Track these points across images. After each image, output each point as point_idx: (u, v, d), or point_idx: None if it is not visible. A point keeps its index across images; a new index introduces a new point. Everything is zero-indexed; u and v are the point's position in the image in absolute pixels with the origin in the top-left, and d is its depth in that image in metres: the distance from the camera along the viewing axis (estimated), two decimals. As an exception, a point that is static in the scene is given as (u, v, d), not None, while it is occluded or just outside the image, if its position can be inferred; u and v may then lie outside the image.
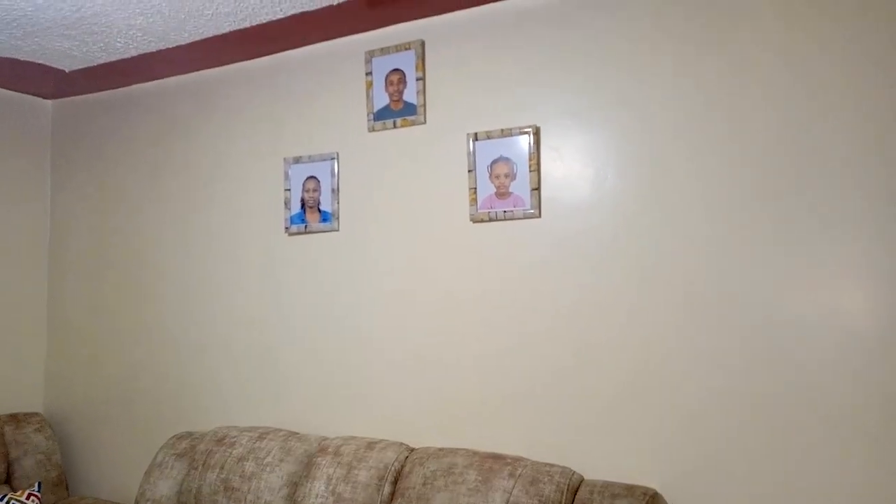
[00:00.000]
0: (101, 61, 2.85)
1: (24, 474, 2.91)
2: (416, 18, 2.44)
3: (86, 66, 2.90)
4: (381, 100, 2.52)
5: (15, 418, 3.03)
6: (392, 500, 2.12)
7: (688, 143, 2.01)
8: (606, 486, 1.94)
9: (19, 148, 3.29)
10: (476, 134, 2.31)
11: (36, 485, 2.76)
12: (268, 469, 2.33)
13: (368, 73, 2.54)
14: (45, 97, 3.34)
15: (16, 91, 3.24)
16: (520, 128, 2.24)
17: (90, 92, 3.23)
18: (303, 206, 2.68)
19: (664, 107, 2.04)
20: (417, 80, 2.44)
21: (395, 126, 2.49)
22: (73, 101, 3.33)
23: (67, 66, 2.91)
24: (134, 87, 3.12)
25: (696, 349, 1.96)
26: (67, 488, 3.08)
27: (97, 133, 3.26)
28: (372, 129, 2.54)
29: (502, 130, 2.27)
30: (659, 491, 1.97)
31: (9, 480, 2.89)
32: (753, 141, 1.92)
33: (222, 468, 2.39)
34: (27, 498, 2.67)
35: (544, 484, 1.93)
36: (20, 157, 3.29)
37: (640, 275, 2.05)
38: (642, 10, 2.08)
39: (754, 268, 1.90)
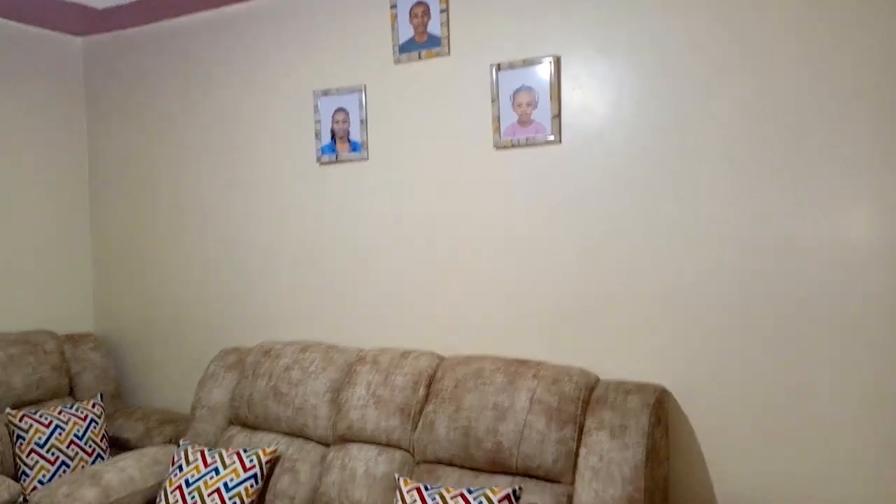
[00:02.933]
0: (134, -2, 2.95)
1: (85, 387, 3.20)
2: (439, -50, 2.52)
3: (118, 3, 2.99)
4: (406, 32, 2.63)
5: (72, 338, 3.29)
6: (427, 401, 2.37)
7: (703, 74, 2.13)
8: (620, 384, 2.18)
9: (54, 85, 3.42)
10: (499, 64, 2.44)
11: (98, 395, 3.05)
12: (312, 376, 2.58)
13: (393, 6, 2.64)
14: (75, 34, 3.45)
15: (47, 28, 3.35)
16: (541, 57, 2.37)
17: (121, 28, 3.34)
18: (333, 136, 2.83)
19: (681, 38, 2.15)
20: (441, 12, 2.54)
21: (419, 58, 2.61)
22: (104, 38, 3.44)
23: (99, 3, 3.00)
24: (164, 22, 3.23)
25: (706, 265, 2.15)
26: (123, 400, 3.37)
27: (129, 68, 3.38)
28: (397, 62, 2.66)
29: (524, 60, 2.39)
30: (668, 388, 2.20)
31: (72, 392, 3.18)
32: (769, 73, 2.04)
33: (270, 376, 2.65)
34: (92, 406, 2.96)
35: (564, 383, 2.17)
36: (55, 94, 3.43)
37: (652, 197, 2.22)
38: (660, -59, 2.17)
39: (765, 193, 2.06)
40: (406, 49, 2.64)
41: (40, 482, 2.73)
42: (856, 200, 1.95)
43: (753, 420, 2.09)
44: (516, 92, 2.42)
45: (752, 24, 2.05)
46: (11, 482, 2.40)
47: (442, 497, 2.00)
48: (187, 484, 2.35)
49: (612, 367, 2.29)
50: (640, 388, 2.13)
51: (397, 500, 2.07)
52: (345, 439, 2.47)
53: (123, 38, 3.38)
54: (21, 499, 2.53)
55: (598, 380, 2.24)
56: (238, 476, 2.35)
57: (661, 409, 2.09)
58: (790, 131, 2.02)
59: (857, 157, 1.94)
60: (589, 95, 2.31)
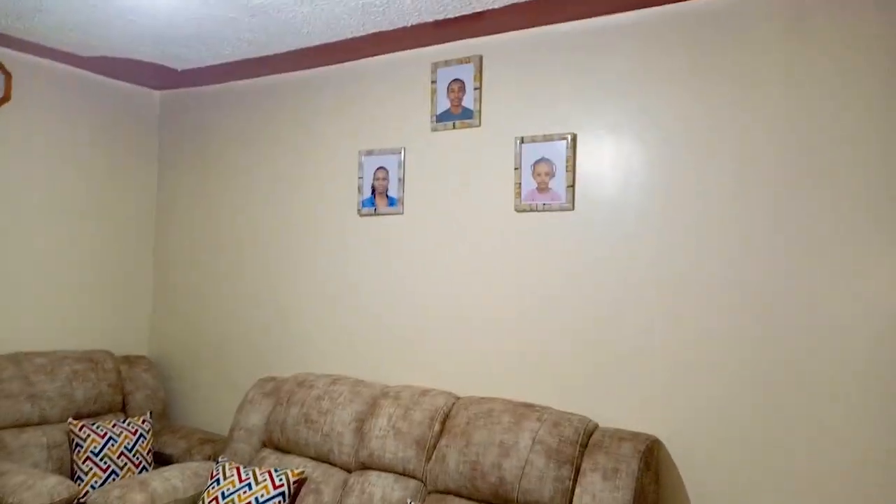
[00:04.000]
0: (209, 63, 3.37)
1: (136, 405, 3.53)
2: (475, 36, 2.87)
3: (195, 66, 3.43)
4: (443, 104, 2.97)
5: (128, 360, 3.64)
6: (441, 435, 2.61)
7: (700, 149, 2.40)
8: (616, 431, 2.39)
9: (132, 131, 3.87)
10: (523, 137, 2.75)
11: (148, 413, 3.37)
12: (340, 407, 2.85)
13: (433, 82, 2.99)
14: (154, 88, 3.91)
15: (131, 83, 3.82)
16: (560, 134, 2.67)
17: (194, 86, 3.78)
18: (373, 191, 3.16)
19: (680, 121, 2.43)
20: (475, 89, 2.88)
21: (454, 127, 2.94)
22: (179, 93, 3.89)
23: (179, 66, 3.45)
24: (231, 83, 3.66)
25: (707, 326, 2.37)
26: (169, 419, 3.69)
27: (198, 121, 3.81)
28: (434, 129, 3.00)
29: (544, 135, 2.70)
30: (661, 438, 2.40)
31: (124, 409, 3.51)
32: (757, 149, 2.30)
33: (303, 405, 2.93)
34: (142, 422, 3.28)
35: (565, 427, 2.39)
36: (133, 139, 3.87)
37: (652, 259, 2.47)
38: (663, 40, 2.47)
39: (758, 257, 2.29)
40: (442, 119, 2.97)
41: (92, 487, 3.04)
42: (858, 264, 2.17)
43: (740, 473, 2.27)
44: (536, 162, 2.72)
45: (741, 105, 2.32)
46: (70, 483, 2.71)
47: (447, 522, 2.22)
48: (223, 496, 2.62)
49: (612, 416, 2.51)
50: (634, 436, 2.34)
51: (408, 523, 2.30)
52: (365, 466, 2.72)
53: (195, 95, 3.83)
54: (76, 500, 2.82)
55: (596, 426, 2.45)
56: (268, 492, 2.61)
57: (651, 457, 2.29)
58: (790, 196, 2.26)
59: (858, 226, 2.17)
60: (601, 167, 2.59)
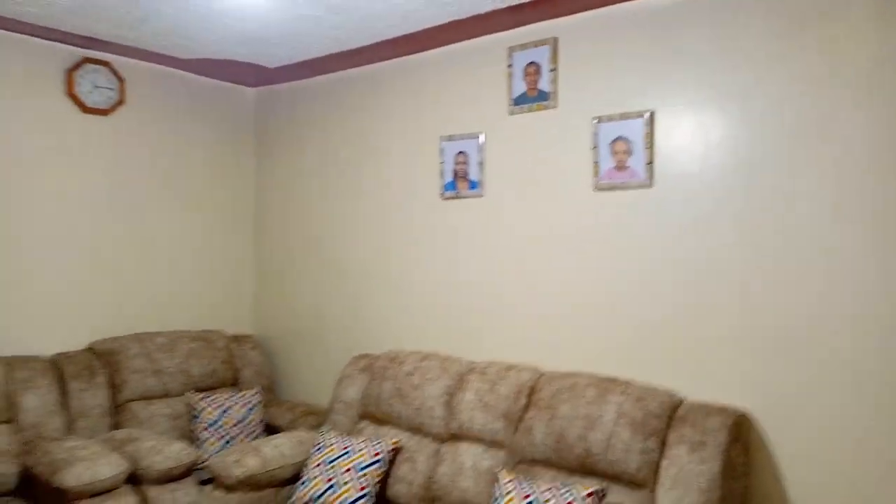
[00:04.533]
0: (297, 60, 3.58)
1: (246, 380, 3.84)
2: (550, 18, 2.90)
3: (285, 63, 3.64)
4: (520, 87, 3.03)
5: (237, 338, 3.96)
6: (527, 408, 2.72)
7: (783, 123, 2.36)
8: (703, 405, 2.42)
9: (230, 126, 4.15)
10: (600, 117, 2.78)
11: (257, 388, 3.67)
12: (430, 382, 3.01)
13: (509, 65, 3.05)
14: (249, 86, 4.17)
15: (228, 82, 4.09)
16: (637, 112, 2.68)
17: (286, 82, 4.01)
18: (454, 175, 3.28)
19: (763, 96, 2.39)
20: (550, 71, 2.92)
21: (530, 110, 3.00)
22: (271, 89, 4.14)
23: (271, 64, 3.67)
24: (320, 77, 3.85)
25: (789, 300, 2.35)
26: (275, 393, 3.99)
27: (290, 114, 4.05)
28: (511, 113, 3.06)
29: (622, 114, 2.72)
30: (751, 414, 2.40)
31: (235, 384, 3.83)
32: (845, 124, 2.24)
33: (395, 380, 3.11)
34: (252, 395, 3.58)
35: (649, 401, 2.45)
36: (231, 134, 4.16)
37: (737, 232, 2.45)
38: (744, 12, 2.42)
39: (848, 231, 2.25)
40: (519, 102, 3.04)
41: (211, 453, 3.36)
42: (930, 247, 2.09)
43: (833, 448, 2.26)
44: (614, 141, 2.74)
45: (825, 82, 2.26)
46: (192, 448, 3.02)
47: (536, 489, 2.34)
48: (327, 462, 2.85)
49: (698, 390, 2.53)
50: (721, 410, 2.37)
51: (497, 490, 2.44)
52: (455, 437, 2.87)
53: (287, 90, 4.05)
54: (197, 464, 3.14)
55: (682, 400, 2.49)
56: (367, 459, 2.82)
57: (739, 430, 2.31)
58: (881, 172, 2.19)
59: (931, 207, 2.09)
60: (679, 144, 2.59)
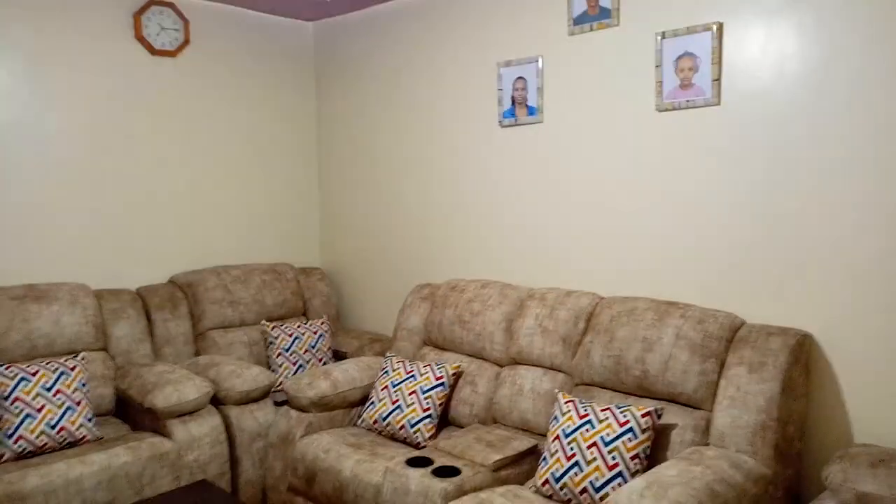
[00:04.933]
0: (353, -9, 3.56)
1: (314, 310, 4.01)
2: (611, -71, 2.76)
3: (340, -5, 3.63)
4: (580, 6, 2.92)
5: (304, 271, 4.12)
6: (585, 332, 2.74)
7: (860, 32, 2.19)
8: (764, 327, 2.38)
9: (290, 62, 4.21)
10: (664, 32, 2.66)
11: (325, 317, 3.83)
12: (490, 308, 3.07)
13: (568, -17, 2.94)
14: (307, 20, 4.19)
15: (285, 17, 4.12)
16: (704, 24, 2.55)
17: (343, 13, 4.00)
18: (513, 102, 3.23)
19: (839, 3, 2.23)
20: (611, -14, 2.80)
21: (591, 29, 2.90)
22: (330, 22, 4.15)
23: (327, -4, 3.67)
24: (377, 7, 3.83)
25: (858, 218, 2.24)
26: (341, 322, 4.16)
27: (348, 47, 4.05)
28: (571, 34, 2.97)
29: (688, 28, 2.59)
30: (813, 334, 2.35)
31: (305, 313, 4.00)
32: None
33: (456, 307, 3.18)
34: (321, 324, 3.74)
35: (709, 323, 2.42)
36: (292, 69, 4.21)
37: (812, 152, 2.34)
38: None
39: (918, 144, 2.11)
40: (580, 21, 2.94)
41: (285, 377, 3.56)
42: None
43: (895, 372, 2.20)
44: (679, 58, 2.63)
45: (920, -18, 2.08)
46: (269, 372, 3.21)
47: (593, 409, 2.38)
48: (393, 385, 2.98)
49: (760, 313, 2.48)
50: (783, 331, 2.32)
51: (556, 409, 2.49)
52: (515, 361, 2.93)
53: (345, 22, 4.05)
54: (273, 387, 3.34)
55: (743, 323, 2.45)
56: (430, 383, 2.93)
57: (800, 351, 2.27)
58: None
59: None
60: (749, 58, 2.46)
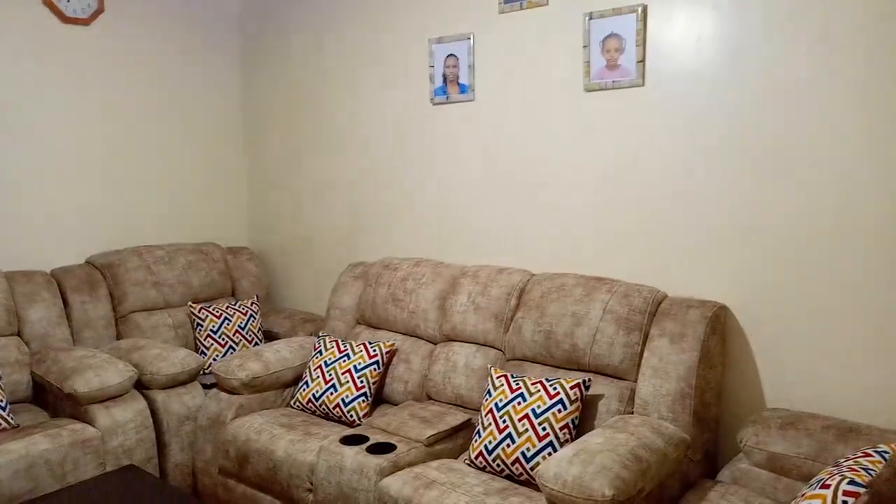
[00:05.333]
0: (279, -39, 3.44)
1: (244, 290, 3.93)
2: None
3: (266, -35, 3.51)
4: (510, -16, 2.94)
5: (232, 250, 4.01)
6: (517, 308, 2.80)
7: (776, 14, 2.30)
8: (684, 300, 2.49)
9: (215, 33, 4.05)
10: (591, 13, 2.70)
11: (255, 296, 3.75)
12: (423, 286, 3.08)
13: (499, -39, 2.94)
14: (231, -9, 4.04)
15: (209, -13, 3.97)
16: (629, 6, 2.61)
17: (267, -15, 3.88)
18: (444, 79, 3.23)
19: (758, -16, 2.33)
20: (541, -35, 2.82)
21: (521, 8, 2.92)
22: (254, -6, 4.01)
23: (252, -35, 3.53)
24: (303, -20, 3.73)
25: (774, 196, 2.37)
26: (273, 303, 4.08)
27: (277, 19, 3.93)
28: (502, 12, 2.98)
29: (614, 9, 2.65)
30: (729, 306, 2.48)
31: (234, 294, 3.91)
32: (837, 15, 2.19)
33: (389, 285, 3.18)
34: (251, 304, 3.67)
35: (634, 297, 2.52)
36: (217, 41, 4.06)
37: (726, 131, 2.45)
38: None
39: (836, 129, 2.24)
40: (510, 0, 2.95)
41: (214, 360, 3.48)
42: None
43: (806, 335, 2.34)
44: (605, 38, 2.68)
45: (828, -29, 2.19)
46: (197, 355, 3.13)
47: (524, 383, 2.45)
48: (326, 364, 2.96)
49: (681, 286, 2.60)
50: (701, 303, 2.44)
51: (489, 384, 2.54)
52: (449, 338, 2.97)
53: (269, -6, 3.93)
54: (202, 370, 3.26)
55: (665, 296, 2.56)
56: (364, 361, 2.93)
57: (717, 322, 2.40)
58: (871, 64, 2.17)
59: (920, 98, 2.07)
60: (671, 40, 2.54)
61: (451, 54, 3.18)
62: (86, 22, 3.48)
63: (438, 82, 3.25)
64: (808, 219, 2.31)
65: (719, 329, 2.41)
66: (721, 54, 2.43)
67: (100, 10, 3.52)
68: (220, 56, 4.09)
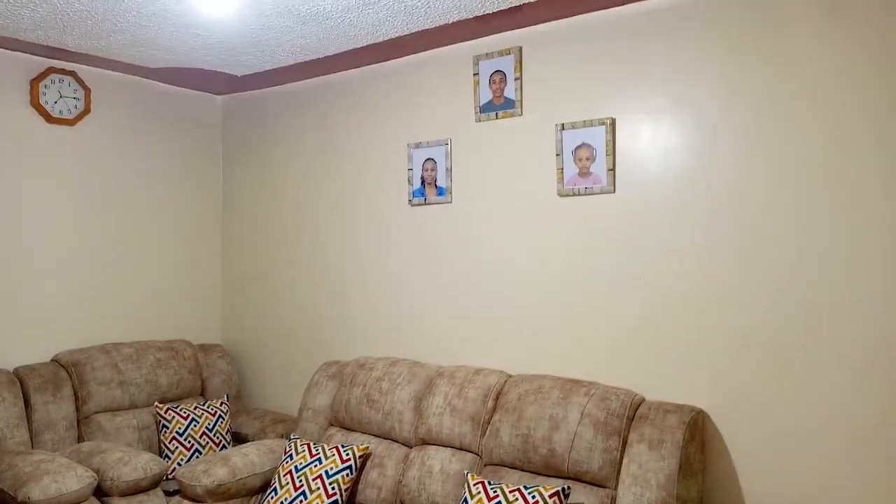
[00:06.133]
0: (266, 68, 3.59)
1: (213, 390, 3.82)
2: (515, 28, 2.97)
3: (253, 71, 3.66)
4: (486, 95, 3.09)
5: (204, 348, 3.94)
6: (494, 411, 2.76)
7: (737, 129, 2.45)
8: (662, 404, 2.48)
9: (197, 135, 4.15)
10: (563, 124, 2.84)
11: (224, 396, 3.65)
12: (399, 387, 3.04)
13: (476, 74, 3.11)
14: (216, 94, 4.18)
15: (196, 90, 4.09)
16: (599, 119, 2.75)
17: (254, 90, 4.02)
18: (422, 182, 3.32)
19: (717, 103, 2.48)
20: (515, 79, 2.99)
21: (496, 117, 3.06)
22: (239, 97, 4.15)
23: (239, 72, 3.68)
24: (288, 85, 3.87)
25: (745, 299, 2.43)
26: (243, 402, 3.97)
27: (258, 122, 4.06)
28: (478, 120, 3.12)
29: (584, 121, 2.79)
30: (706, 410, 2.48)
31: (203, 393, 3.80)
32: (793, 129, 2.33)
33: (364, 386, 3.13)
34: (220, 405, 3.56)
35: (612, 401, 2.50)
36: (199, 142, 4.15)
37: (698, 235, 2.53)
38: (697, 25, 2.52)
39: (799, 232, 2.34)
40: (486, 109, 3.10)
41: (178, 464, 3.33)
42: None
43: (786, 443, 2.33)
44: (577, 148, 2.81)
45: (772, 89, 2.35)
46: (160, 459, 3.00)
47: (502, 491, 2.37)
48: (296, 470, 2.85)
49: (658, 389, 2.60)
50: (679, 408, 2.43)
51: (465, 492, 2.46)
52: (424, 441, 2.90)
53: (255, 98, 4.07)
54: (165, 475, 3.11)
55: (643, 400, 2.55)
56: (336, 466, 2.83)
57: (696, 427, 2.38)
58: (826, 174, 2.29)
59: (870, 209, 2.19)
60: (639, 150, 2.67)
61: (430, 158, 3.29)
62: (71, 122, 3.55)
63: (417, 184, 3.34)
64: (785, 324, 2.36)
65: (698, 435, 2.39)
66: (686, 164, 2.55)
67: (86, 111, 3.60)
68: (202, 157, 4.17)
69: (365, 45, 3.19)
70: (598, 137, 2.75)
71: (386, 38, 3.11)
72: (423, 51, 3.29)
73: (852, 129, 2.23)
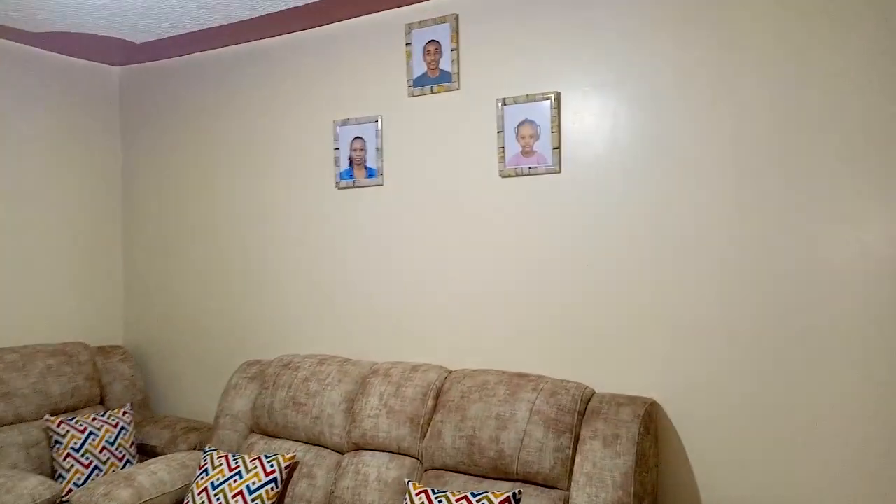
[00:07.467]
0: (170, 35, 3.19)
1: (115, 397, 3.41)
2: (450, -6, 2.74)
3: (155, 38, 3.25)
4: (420, 68, 2.84)
5: (103, 350, 3.50)
6: (435, 411, 2.54)
7: (690, 101, 2.31)
8: (613, 397, 2.34)
9: (92, 111, 3.68)
10: (504, 99, 2.64)
11: (128, 404, 3.25)
12: (329, 388, 2.76)
13: (408, 44, 2.85)
14: (113, 64, 3.71)
15: (87, 59, 3.62)
16: (543, 94, 2.56)
17: (155, 59, 3.59)
18: (350, 163, 3.04)
19: (667, 76, 2.34)
20: (452, 50, 2.75)
21: (432, 92, 2.82)
22: (139, 68, 3.70)
23: (138, 39, 3.26)
24: (196, 55, 3.48)
25: (696, 285, 2.31)
26: (150, 409, 3.57)
27: (162, 96, 3.63)
28: (411, 95, 2.87)
29: (528, 96, 2.59)
30: (658, 401, 2.35)
31: (103, 402, 3.38)
32: (749, 98, 2.22)
33: (290, 387, 2.83)
34: (122, 414, 3.16)
35: (561, 396, 2.33)
36: (93, 119, 3.68)
37: (645, 219, 2.39)
38: (652, -11, 2.37)
39: (754, 212, 2.23)
40: (419, 83, 2.85)
41: (75, 484, 2.93)
42: (857, 215, 2.11)
43: (738, 432, 2.24)
44: (520, 125, 2.61)
45: (727, 61, 2.23)
46: (52, 482, 2.60)
47: (448, 500, 2.16)
48: (213, 486, 2.53)
49: (607, 381, 2.45)
50: (632, 400, 2.29)
51: (407, 502, 2.23)
52: (358, 447, 2.64)
53: (157, 69, 3.64)
54: (59, 499, 2.71)
55: (593, 393, 2.40)
56: (259, 480, 2.53)
57: (650, 420, 2.25)
58: (785, 146, 2.19)
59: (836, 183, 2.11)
60: (586, 127, 2.50)
61: (358, 136, 3.02)
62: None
63: (344, 165, 3.05)
64: (737, 309, 2.25)
65: (652, 428, 2.26)
66: (636, 141, 2.40)
67: (-47, 80, 3.10)
68: (98, 137, 3.70)
69: (284, 8, 2.86)
70: (542, 113, 2.56)
71: (308, 2, 2.79)
72: (349, 18, 3.00)
73: (818, 95, 2.13)
